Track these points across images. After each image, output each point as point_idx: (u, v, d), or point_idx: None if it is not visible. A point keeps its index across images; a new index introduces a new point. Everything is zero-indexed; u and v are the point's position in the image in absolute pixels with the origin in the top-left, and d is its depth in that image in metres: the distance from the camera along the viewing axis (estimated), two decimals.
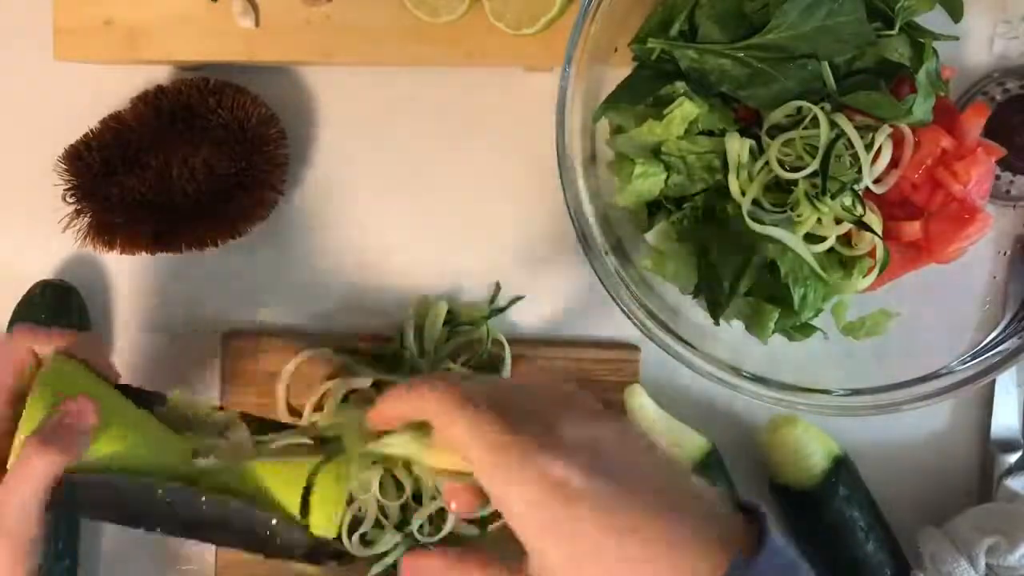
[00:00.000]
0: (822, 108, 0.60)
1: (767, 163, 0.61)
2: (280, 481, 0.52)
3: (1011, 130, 0.68)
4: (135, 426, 0.52)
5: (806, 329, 0.65)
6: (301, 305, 0.75)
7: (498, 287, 0.74)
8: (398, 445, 0.47)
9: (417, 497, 0.69)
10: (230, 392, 0.72)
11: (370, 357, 0.72)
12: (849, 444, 0.71)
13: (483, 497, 0.44)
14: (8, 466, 0.49)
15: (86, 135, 0.69)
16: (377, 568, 0.69)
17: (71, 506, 0.51)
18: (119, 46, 0.69)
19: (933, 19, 0.64)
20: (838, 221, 0.61)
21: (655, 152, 0.64)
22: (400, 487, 0.68)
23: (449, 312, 0.72)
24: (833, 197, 0.60)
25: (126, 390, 0.55)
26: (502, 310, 0.74)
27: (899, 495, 0.73)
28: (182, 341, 0.75)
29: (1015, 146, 0.67)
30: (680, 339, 0.63)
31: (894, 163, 0.62)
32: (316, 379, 0.71)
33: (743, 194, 0.62)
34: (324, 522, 0.51)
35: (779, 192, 0.62)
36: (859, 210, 0.60)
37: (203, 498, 0.51)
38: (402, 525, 0.68)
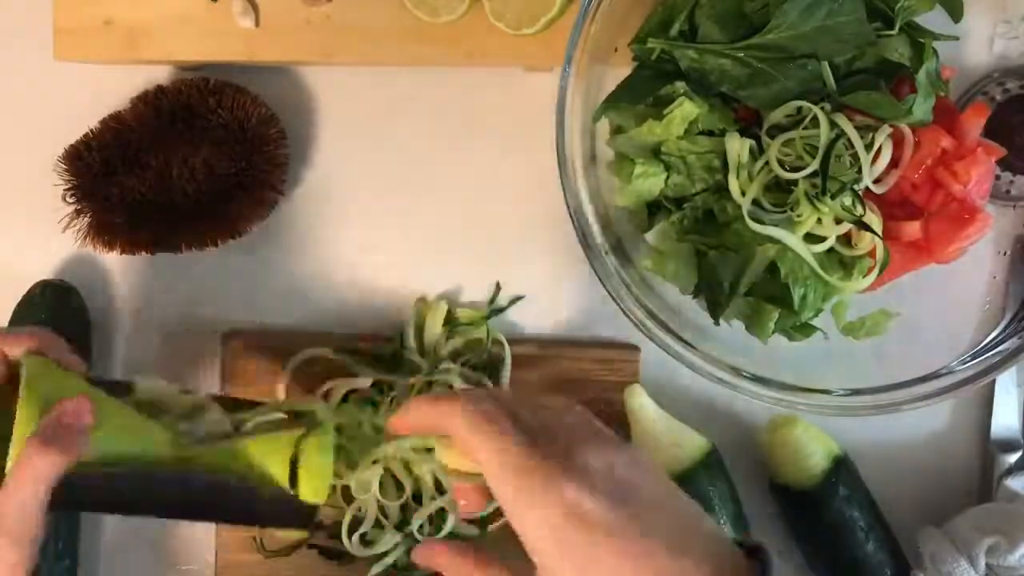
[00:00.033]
0: (822, 108, 0.60)
1: (767, 163, 0.61)
2: (268, 455, 0.53)
3: (1011, 130, 0.68)
4: (120, 417, 0.53)
5: (806, 329, 0.65)
6: (301, 305, 0.75)
7: (498, 287, 0.74)
8: (419, 440, 0.48)
9: (417, 497, 0.69)
10: (230, 392, 0.72)
11: (370, 357, 0.72)
12: (849, 444, 0.71)
13: (490, 497, 0.45)
14: (7, 469, 0.49)
15: (86, 135, 0.69)
16: (377, 568, 0.69)
17: (71, 505, 0.51)
18: (119, 46, 0.69)
19: (933, 19, 0.65)
20: (838, 221, 0.61)
21: (655, 152, 0.64)
22: (400, 487, 0.68)
23: (449, 312, 0.72)
24: (833, 197, 0.60)
25: (97, 383, 0.55)
26: (502, 310, 0.74)
27: (899, 495, 0.73)
28: (182, 341, 0.75)
29: (1015, 146, 0.67)
30: (680, 339, 0.63)
31: (894, 163, 0.62)
32: (316, 379, 0.71)
33: (743, 194, 0.62)
34: (313, 490, 0.53)
35: (779, 192, 0.62)
36: (859, 210, 0.60)
37: (197, 479, 0.53)
38: (402, 525, 0.68)
